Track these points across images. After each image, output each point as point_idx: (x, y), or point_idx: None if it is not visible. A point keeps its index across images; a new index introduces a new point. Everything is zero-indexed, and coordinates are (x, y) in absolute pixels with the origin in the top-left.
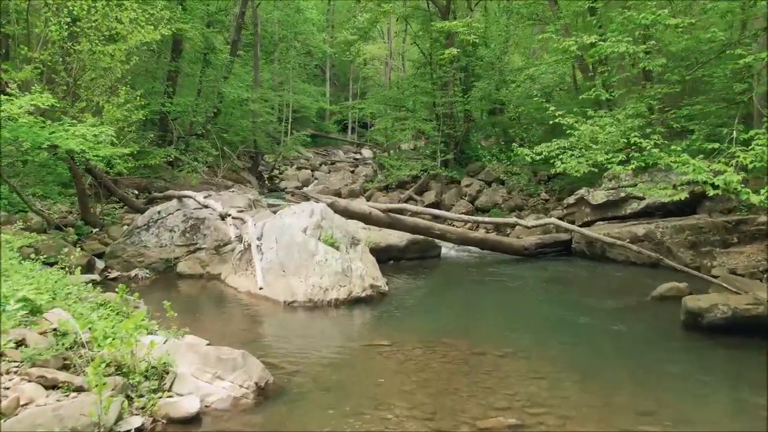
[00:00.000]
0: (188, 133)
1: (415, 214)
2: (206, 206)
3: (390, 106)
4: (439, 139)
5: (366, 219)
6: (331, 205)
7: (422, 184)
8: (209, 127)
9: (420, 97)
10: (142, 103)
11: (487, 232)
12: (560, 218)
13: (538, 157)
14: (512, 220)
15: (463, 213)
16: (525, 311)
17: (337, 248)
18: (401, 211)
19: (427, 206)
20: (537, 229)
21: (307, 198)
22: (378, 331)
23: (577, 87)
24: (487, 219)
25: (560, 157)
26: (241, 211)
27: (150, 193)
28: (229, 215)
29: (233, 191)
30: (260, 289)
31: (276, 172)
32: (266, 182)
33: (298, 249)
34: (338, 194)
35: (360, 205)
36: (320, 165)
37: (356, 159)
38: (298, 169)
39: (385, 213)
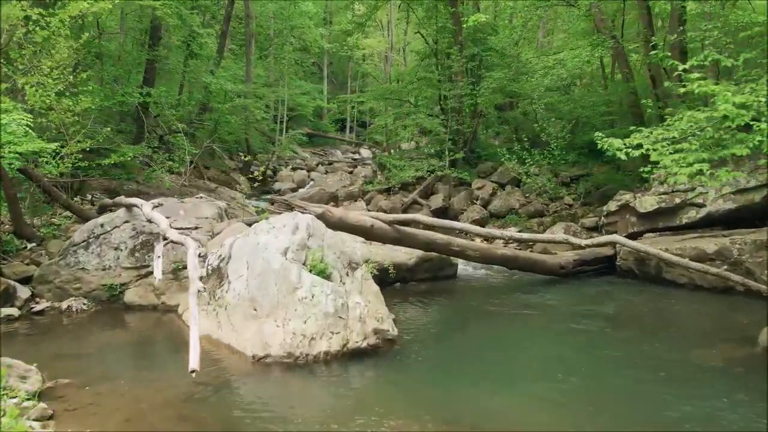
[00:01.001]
0: (170, 129)
1: (429, 227)
2: (150, 220)
3: (391, 102)
4: (446, 136)
5: (367, 233)
6: (321, 217)
7: (428, 186)
8: (195, 123)
9: (425, 89)
10: (93, 89)
11: (506, 244)
12: (594, 228)
13: (637, 152)
14: (560, 236)
15: (496, 228)
16: (585, 374)
17: (329, 276)
18: (411, 223)
19: (435, 211)
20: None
21: (290, 207)
22: (385, 410)
23: (607, 77)
24: (525, 236)
25: (660, 152)
26: (195, 229)
27: (118, 196)
28: (167, 239)
29: (201, 197)
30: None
31: (269, 171)
32: (258, 183)
33: (276, 279)
34: (334, 197)
35: (359, 216)
36: (317, 165)
37: (354, 159)
38: (293, 169)
39: (390, 226)
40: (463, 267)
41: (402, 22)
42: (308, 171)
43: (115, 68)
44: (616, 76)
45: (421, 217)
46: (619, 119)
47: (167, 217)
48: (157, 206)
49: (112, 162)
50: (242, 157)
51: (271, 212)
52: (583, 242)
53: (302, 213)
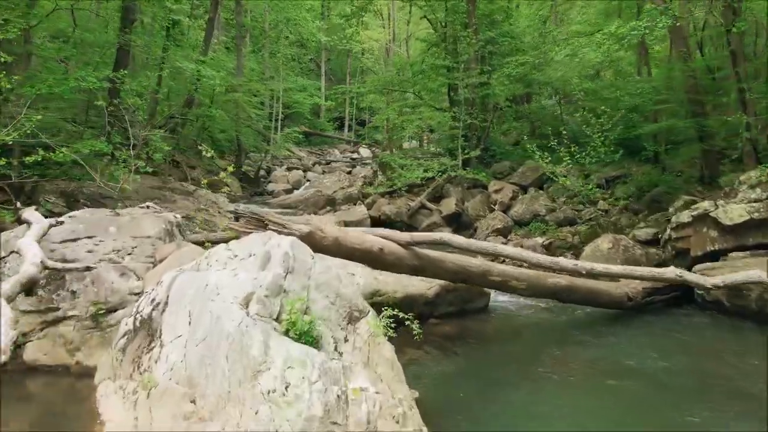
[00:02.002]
0: (150, 124)
1: (461, 249)
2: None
3: (393, 95)
4: (459, 131)
5: (375, 260)
6: (308, 238)
7: (436, 188)
8: (177, 117)
9: (432, 79)
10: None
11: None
12: (653, 241)
13: None
14: (672, 272)
15: (566, 259)
16: None
17: (317, 341)
18: (427, 243)
19: (447, 218)
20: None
21: (263, 224)
22: None
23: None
24: (615, 269)
25: None
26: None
27: (77, 201)
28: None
29: (147, 206)
30: None
31: (262, 172)
32: (252, 185)
33: (229, 351)
34: (331, 201)
35: (363, 237)
36: (313, 165)
37: (353, 159)
38: (289, 169)
39: (407, 249)
40: (495, 295)
41: (405, 9)
42: (304, 171)
43: (76, 50)
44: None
45: (451, 236)
46: (674, 109)
47: (90, 237)
48: (56, 224)
49: (59, 159)
50: (245, 158)
51: (236, 231)
52: (711, 281)
53: (279, 233)
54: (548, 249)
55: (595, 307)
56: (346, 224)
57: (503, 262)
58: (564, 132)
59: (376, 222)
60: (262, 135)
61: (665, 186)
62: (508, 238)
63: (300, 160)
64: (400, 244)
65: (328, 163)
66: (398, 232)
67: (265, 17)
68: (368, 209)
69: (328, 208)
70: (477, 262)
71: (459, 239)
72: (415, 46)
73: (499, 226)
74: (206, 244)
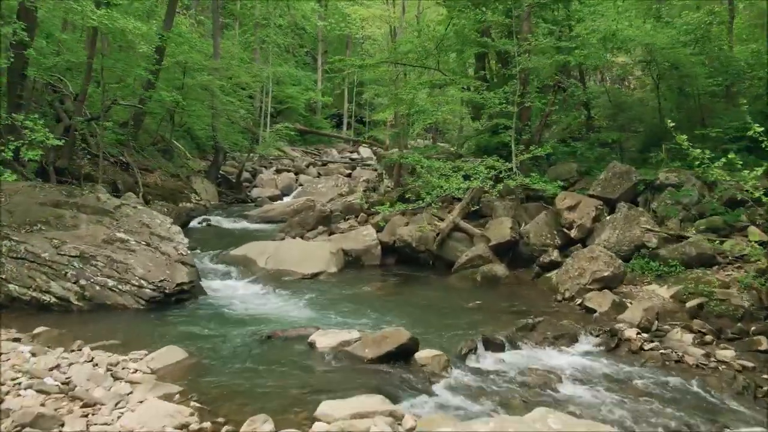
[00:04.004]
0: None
1: None
2: None
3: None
4: (512, 121)
5: None
6: None
7: (473, 199)
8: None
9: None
10: None
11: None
12: None
13: None
14: None
15: None
16: None
17: None
18: None
19: (498, 248)
20: None
21: None
22: None
23: None
24: None
25: None
26: None
27: None
28: None
29: None
30: None
31: (246, 174)
32: (232, 191)
33: None
34: (325, 218)
35: None
36: (307, 167)
37: (353, 159)
38: (278, 171)
39: None
40: None
41: None
42: (296, 174)
43: None
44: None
45: None
46: None
47: None
48: None
49: None
50: (224, 158)
51: None
52: None
53: None
54: (695, 315)
55: None
56: (347, 253)
57: None
58: (671, 124)
59: (389, 250)
60: (250, 132)
61: None
62: (619, 291)
63: (293, 161)
64: None
65: (324, 165)
66: None
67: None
68: (377, 231)
69: (321, 228)
70: None
71: None
72: (428, 18)
73: (605, 273)
74: None
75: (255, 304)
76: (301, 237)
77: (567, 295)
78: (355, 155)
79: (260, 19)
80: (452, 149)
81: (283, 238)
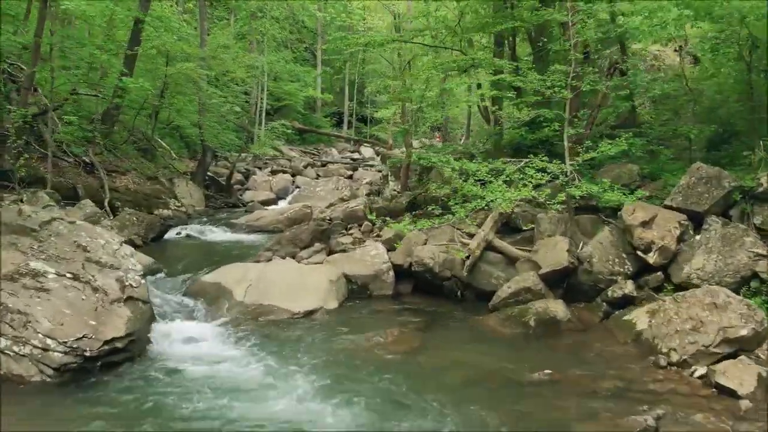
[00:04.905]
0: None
1: None
2: None
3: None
4: (565, 113)
5: None
6: None
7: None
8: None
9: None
10: None
11: None
12: None
13: None
14: None
15: None
16: None
17: None
18: None
19: (550, 277)
20: None
21: None
22: None
23: None
24: None
25: None
26: None
27: None
28: None
29: None
30: None
31: (238, 176)
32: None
33: None
34: (323, 233)
35: None
36: (305, 167)
37: (354, 160)
38: (273, 173)
39: None
40: None
41: None
42: (293, 175)
43: None
44: None
45: None
46: None
47: None
48: None
49: None
50: (210, 158)
51: None
52: None
53: None
54: None
55: None
56: (351, 280)
57: None
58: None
59: (404, 274)
60: (245, 130)
61: None
62: (756, 355)
63: (290, 160)
64: None
65: (324, 165)
66: None
67: None
68: (388, 251)
69: (318, 245)
70: None
71: None
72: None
73: (742, 332)
74: None
75: (216, 379)
76: (293, 257)
77: (674, 358)
78: (356, 155)
79: (255, 10)
80: (459, 148)
81: (269, 259)
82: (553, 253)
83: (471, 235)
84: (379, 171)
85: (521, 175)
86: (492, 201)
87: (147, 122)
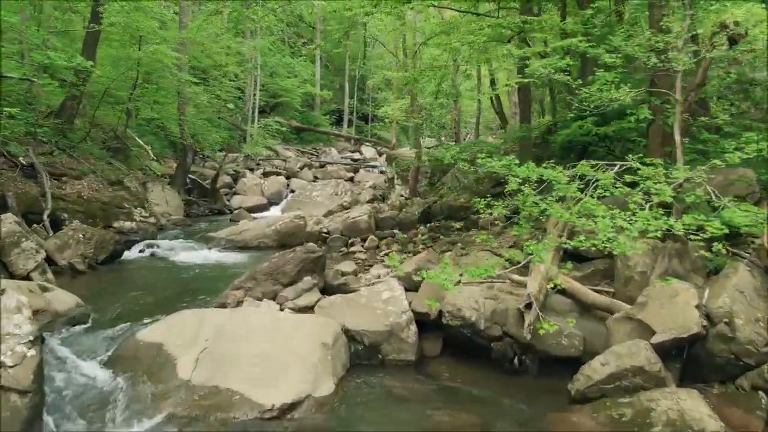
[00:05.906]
0: None
1: None
2: None
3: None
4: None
5: None
6: None
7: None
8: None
9: None
10: None
11: None
12: None
13: None
14: None
15: None
16: None
17: None
18: None
19: (664, 348)
20: None
21: None
22: None
23: None
24: None
25: None
26: None
27: None
28: None
29: None
30: None
31: (226, 178)
32: (206, 198)
33: None
34: (313, 261)
35: None
36: (301, 169)
37: (355, 160)
38: (266, 174)
39: None
40: None
41: None
42: (288, 177)
43: None
44: None
45: None
46: None
47: None
48: None
49: None
50: (192, 158)
51: None
52: None
53: None
54: None
55: None
56: (355, 338)
57: None
58: None
59: (430, 326)
60: (238, 129)
61: None
62: None
63: (285, 161)
64: None
65: (322, 166)
66: None
67: None
68: (405, 285)
69: (309, 280)
70: None
71: None
72: None
73: None
74: None
75: None
76: (273, 298)
77: None
78: (357, 155)
79: None
80: (498, 145)
81: (239, 302)
82: (672, 308)
83: (515, 265)
84: (383, 173)
85: (621, 188)
86: (609, 242)
87: (121, 118)
